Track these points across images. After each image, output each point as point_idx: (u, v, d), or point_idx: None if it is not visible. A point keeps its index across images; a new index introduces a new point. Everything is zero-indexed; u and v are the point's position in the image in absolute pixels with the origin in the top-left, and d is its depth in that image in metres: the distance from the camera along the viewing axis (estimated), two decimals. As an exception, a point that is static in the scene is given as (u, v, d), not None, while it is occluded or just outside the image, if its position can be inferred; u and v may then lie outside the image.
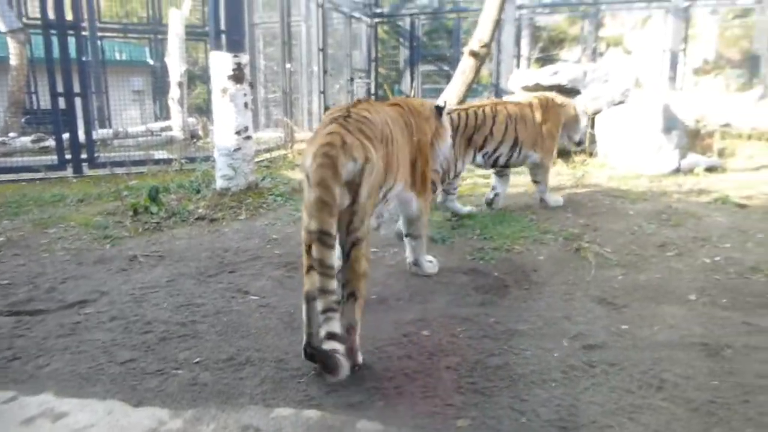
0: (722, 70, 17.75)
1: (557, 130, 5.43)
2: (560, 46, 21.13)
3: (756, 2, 12.48)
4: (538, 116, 5.29)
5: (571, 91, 8.18)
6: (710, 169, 7.33)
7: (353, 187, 2.44)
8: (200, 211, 5.32)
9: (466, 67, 5.71)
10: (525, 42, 16.70)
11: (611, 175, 6.97)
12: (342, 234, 2.48)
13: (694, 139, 8.27)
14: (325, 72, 11.71)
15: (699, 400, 2.22)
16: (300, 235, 4.46)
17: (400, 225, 3.86)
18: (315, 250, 2.29)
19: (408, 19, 14.94)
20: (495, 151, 5.11)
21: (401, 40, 15.53)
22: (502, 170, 5.40)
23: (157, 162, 7.70)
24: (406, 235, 3.72)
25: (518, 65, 14.09)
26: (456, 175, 5.09)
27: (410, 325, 2.94)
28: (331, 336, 2.27)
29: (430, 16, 15.02)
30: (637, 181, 6.65)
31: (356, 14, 13.87)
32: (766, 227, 4.60)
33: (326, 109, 11.65)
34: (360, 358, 2.53)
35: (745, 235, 4.40)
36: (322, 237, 2.28)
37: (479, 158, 5.15)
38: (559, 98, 5.54)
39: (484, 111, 5.07)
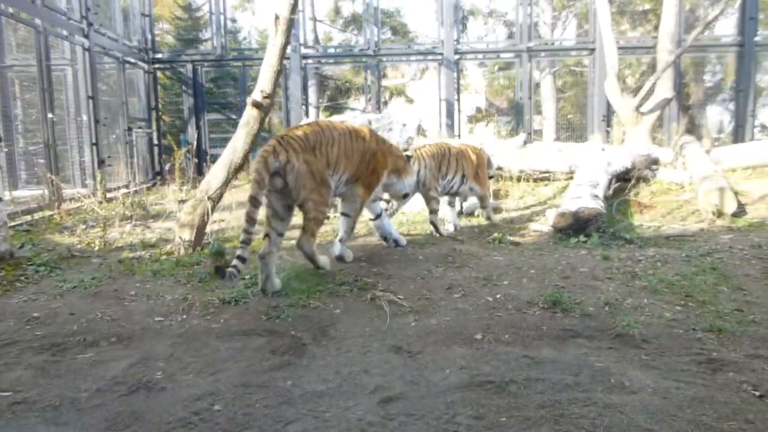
0: (492, 118, 20.09)
1: (485, 168, 7.35)
2: (347, 95, 22.29)
3: (515, 56, 14.41)
4: (473, 157, 7.12)
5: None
6: (488, 210, 8.13)
7: (282, 175, 4.44)
8: (-66, 291, 4.54)
9: (249, 118, 5.70)
10: (313, 90, 17.32)
11: (401, 221, 7.41)
12: (293, 202, 4.58)
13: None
14: (97, 121, 10.91)
15: (489, 439, 2.38)
16: (67, 310, 3.98)
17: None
18: (248, 208, 4.21)
19: (190, 66, 14.64)
20: (452, 179, 6.86)
21: (184, 87, 15.13)
22: (452, 199, 7.24)
23: None
24: (342, 214, 5.33)
25: (307, 113, 14.53)
26: (437, 194, 6.76)
27: (201, 400, 2.77)
28: (240, 258, 4.23)
29: (214, 63, 14.88)
30: (425, 225, 7.15)
31: (131, 59, 13.23)
32: (537, 263, 5.22)
33: (101, 162, 10.83)
34: (321, 261, 4.91)
35: (520, 271, 4.94)
36: (252, 200, 4.22)
37: (444, 184, 6.82)
38: (479, 146, 7.57)
39: (441, 147, 6.90)
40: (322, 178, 4.64)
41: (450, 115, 14.06)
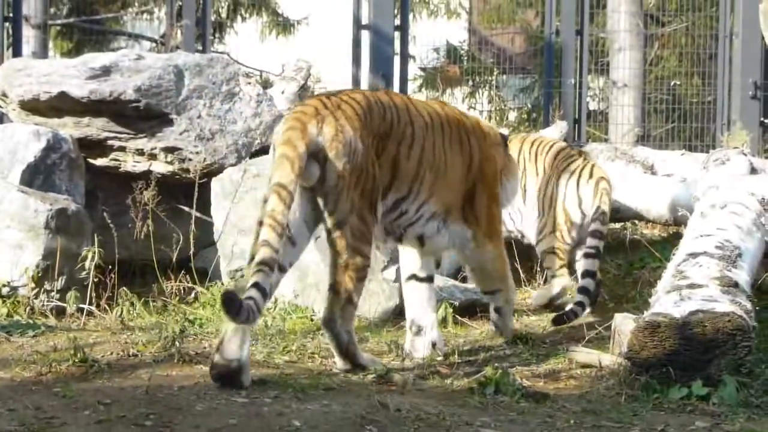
0: (485, 77, 20.35)
1: None
2: (121, 4, 22.23)
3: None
4: None
5: (153, 117, 8.51)
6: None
7: (321, 161, 5.65)
8: None
9: None
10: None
11: (260, 323, 7.31)
12: (321, 216, 5.88)
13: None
14: None
15: None
16: None
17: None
18: (272, 204, 5.42)
19: None
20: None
21: None
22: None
23: None
24: (484, 293, 7.15)
25: (15, 45, 14.34)
26: None
27: None
28: (256, 287, 5.38)
29: None
30: (305, 340, 7.07)
31: None
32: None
33: None
34: (364, 358, 6.28)
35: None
36: (281, 190, 5.41)
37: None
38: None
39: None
40: (372, 192, 5.96)
41: (383, 63, 14.11)
